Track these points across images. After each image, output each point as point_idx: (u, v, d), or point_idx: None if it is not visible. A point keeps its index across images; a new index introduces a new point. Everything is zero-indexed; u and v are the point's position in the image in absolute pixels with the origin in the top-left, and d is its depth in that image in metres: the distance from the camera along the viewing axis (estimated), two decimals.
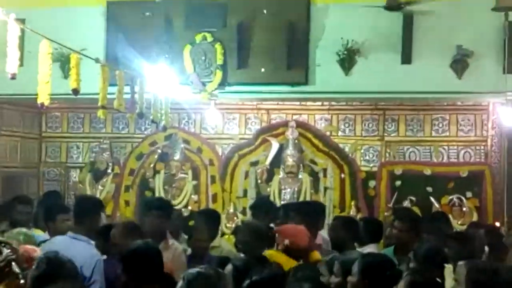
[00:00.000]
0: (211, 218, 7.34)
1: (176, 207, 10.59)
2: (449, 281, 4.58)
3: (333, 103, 10.43)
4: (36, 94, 5.79)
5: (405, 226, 6.44)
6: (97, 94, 6.90)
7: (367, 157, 10.68)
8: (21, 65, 5.45)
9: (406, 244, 6.06)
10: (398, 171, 10.33)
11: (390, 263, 4.30)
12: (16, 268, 3.81)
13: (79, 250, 5.52)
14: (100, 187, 10.88)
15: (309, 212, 7.16)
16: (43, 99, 5.76)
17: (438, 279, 4.17)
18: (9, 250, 3.87)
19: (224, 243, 7.52)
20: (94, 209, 6.68)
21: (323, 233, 7.32)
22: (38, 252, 4.80)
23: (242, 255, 6.09)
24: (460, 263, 4.27)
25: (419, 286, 3.63)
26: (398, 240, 6.39)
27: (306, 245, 5.87)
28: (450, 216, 8.84)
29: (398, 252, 6.09)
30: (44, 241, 6.32)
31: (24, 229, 5.93)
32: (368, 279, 3.95)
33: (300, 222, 6.67)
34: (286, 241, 5.80)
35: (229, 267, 4.67)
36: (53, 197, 9.01)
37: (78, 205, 7.06)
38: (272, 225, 7.13)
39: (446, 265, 4.54)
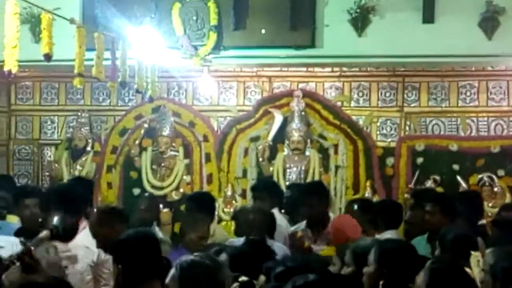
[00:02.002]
0: (203, 203, 7.38)
1: (166, 190, 10.71)
2: (476, 271, 4.61)
3: (344, 69, 10.42)
4: (3, 61, 5.81)
5: (437, 209, 6.46)
6: (73, 60, 6.93)
7: (384, 131, 10.70)
8: None
9: (439, 230, 6.05)
10: (420, 146, 10.38)
11: (411, 250, 4.33)
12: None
13: None
14: (78, 167, 10.92)
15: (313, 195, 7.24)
16: (11, 66, 5.78)
17: (466, 268, 4.19)
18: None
19: (219, 231, 7.51)
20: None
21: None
22: None
23: (239, 240, 6.19)
24: (488, 250, 4.30)
25: (442, 276, 3.65)
26: (429, 225, 6.39)
27: None
28: None
29: (432, 239, 6.09)
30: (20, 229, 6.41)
31: None
32: (386, 268, 3.97)
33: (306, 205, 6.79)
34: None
35: (223, 256, 4.70)
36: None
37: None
38: (277, 213, 7.21)
39: (472, 252, 4.56)
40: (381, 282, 3.91)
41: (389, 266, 3.98)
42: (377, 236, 6.11)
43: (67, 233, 5.51)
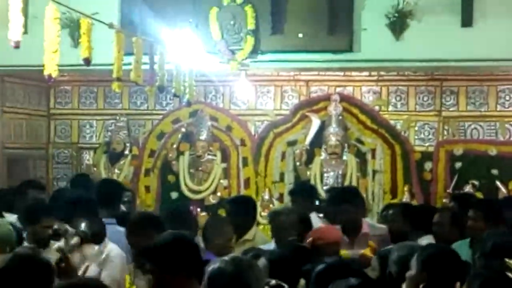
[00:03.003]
0: (245, 207, 7.36)
1: (204, 193, 10.74)
2: None
3: (382, 73, 10.41)
4: (43, 65, 5.86)
5: (480, 215, 6.42)
6: (112, 64, 6.97)
7: (422, 135, 10.65)
8: (26, 32, 5.52)
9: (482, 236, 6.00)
10: (458, 151, 10.33)
11: (454, 255, 4.30)
12: None
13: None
14: (116, 171, 10.99)
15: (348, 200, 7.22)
16: (51, 70, 5.83)
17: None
18: None
19: (259, 235, 7.42)
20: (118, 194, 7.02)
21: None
22: None
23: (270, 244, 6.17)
24: None
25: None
26: (472, 231, 6.33)
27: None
28: None
29: (474, 245, 6.04)
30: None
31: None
32: (428, 271, 3.95)
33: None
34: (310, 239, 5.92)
35: (262, 260, 4.69)
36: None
37: (101, 188, 7.38)
38: (319, 214, 7.21)
39: (507, 260, 4.51)
40: (421, 286, 3.88)
41: (431, 270, 3.95)
42: (419, 241, 6.07)
43: (96, 238, 5.57)
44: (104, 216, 6.59)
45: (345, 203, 6.99)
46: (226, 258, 3.74)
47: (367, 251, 6.19)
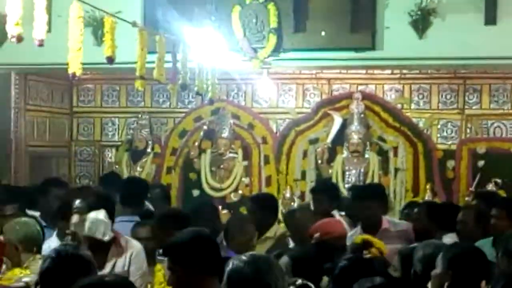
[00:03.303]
0: (267, 204, 7.36)
1: (225, 191, 10.75)
2: None
3: (404, 71, 10.38)
4: (67, 64, 5.89)
5: (504, 214, 6.39)
6: (135, 62, 7.00)
7: (445, 133, 10.62)
8: (49, 30, 5.56)
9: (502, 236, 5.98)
10: (481, 149, 10.30)
11: (480, 254, 4.28)
12: None
13: None
14: (138, 169, 11.03)
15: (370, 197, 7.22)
16: (74, 68, 5.86)
17: None
18: None
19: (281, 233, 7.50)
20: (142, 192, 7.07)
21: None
22: None
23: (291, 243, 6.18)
24: None
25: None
26: (495, 230, 6.29)
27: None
28: None
29: (497, 244, 6.02)
30: None
31: (24, 218, 6.02)
32: (453, 270, 3.94)
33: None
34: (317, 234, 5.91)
35: (284, 259, 4.69)
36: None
37: (125, 187, 7.40)
38: (340, 212, 7.19)
39: None
40: (446, 284, 3.87)
41: (456, 269, 3.93)
42: (443, 239, 6.06)
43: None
44: (129, 213, 6.69)
45: (368, 199, 6.99)
46: (244, 257, 3.72)
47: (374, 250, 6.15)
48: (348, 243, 6.05)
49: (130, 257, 5.49)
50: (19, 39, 5.04)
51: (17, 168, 10.10)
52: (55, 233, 6.18)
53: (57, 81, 11.12)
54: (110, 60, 6.57)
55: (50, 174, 10.26)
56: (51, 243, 5.74)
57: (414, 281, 4.26)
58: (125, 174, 10.87)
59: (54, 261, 3.95)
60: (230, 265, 3.68)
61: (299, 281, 3.88)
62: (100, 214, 5.36)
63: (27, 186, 8.75)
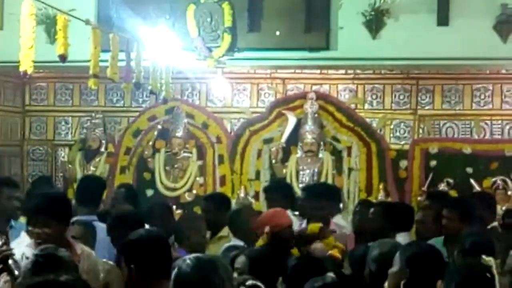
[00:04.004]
0: (221, 204, 7.35)
1: (179, 191, 10.72)
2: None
3: (358, 71, 10.41)
4: (18, 61, 5.81)
5: (455, 215, 6.45)
6: (88, 61, 6.94)
7: (398, 134, 10.68)
8: (1, 28, 5.49)
9: (456, 234, 6.04)
10: (433, 149, 10.37)
11: (437, 253, 4.32)
12: (12, 266, 3.79)
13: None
14: (92, 168, 10.91)
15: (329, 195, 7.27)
16: (26, 66, 5.79)
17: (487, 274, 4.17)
18: (2, 243, 3.85)
19: None
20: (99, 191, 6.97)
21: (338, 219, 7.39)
22: None
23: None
24: None
25: (459, 283, 3.62)
26: (447, 230, 6.36)
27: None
28: None
29: (448, 243, 6.07)
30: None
31: None
32: (410, 268, 3.96)
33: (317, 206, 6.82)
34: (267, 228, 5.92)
35: (241, 259, 4.68)
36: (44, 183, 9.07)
37: (81, 185, 7.33)
38: (294, 212, 7.20)
39: (485, 257, 4.55)
40: (402, 282, 3.89)
41: (414, 267, 3.96)
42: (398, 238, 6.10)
43: None
44: (85, 213, 6.56)
45: (322, 199, 7.02)
46: (189, 260, 3.70)
47: (335, 252, 6.18)
48: None
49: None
50: None
51: None
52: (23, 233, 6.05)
53: (9, 79, 10.99)
54: (63, 58, 6.50)
55: (1, 174, 10.13)
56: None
57: (370, 280, 4.27)
58: (78, 174, 10.80)
59: (37, 264, 3.91)
60: (176, 269, 3.66)
61: (250, 282, 3.86)
62: None
63: None
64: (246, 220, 6.49)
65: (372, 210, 7.11)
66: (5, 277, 4.49)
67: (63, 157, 11.43)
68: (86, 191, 7.24)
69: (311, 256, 5.38)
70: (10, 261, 3.79)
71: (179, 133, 10.78)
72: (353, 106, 10.67)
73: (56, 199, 5.41)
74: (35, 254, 4.03)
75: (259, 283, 3.95)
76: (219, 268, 3.68)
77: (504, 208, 8.72)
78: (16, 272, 3.82)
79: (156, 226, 5.83)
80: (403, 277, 3.93)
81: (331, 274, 3.65)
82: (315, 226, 6.42)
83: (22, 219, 6.97)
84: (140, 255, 4.09)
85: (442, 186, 9.93)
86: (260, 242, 5.81)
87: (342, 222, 7.52)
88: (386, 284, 4.09)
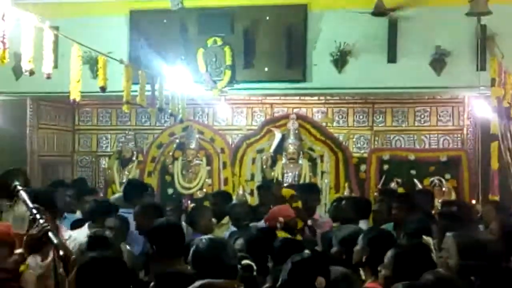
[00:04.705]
0: (225, 199, 7.35)
1: (193, 190, 10.70)
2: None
3: (328, 97, 10.40)
4: (69, 92, 5.83)
5: (402, 206, 6.47)
6: (122, 91, 6.95)
7: (359, 145, 10.67)
8: (55, 66, 5.48)
9: (402, 221, 6.06)
10: (386, 156, 10.35)
11: (389, 235, 4.34)
12: (54, 238, 3.72)
13: None
14: (126, 173, 10.89)
15: (309, 192, 7.29)
16: (75, 96, 5.81)
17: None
18: (44, 221, 3.78)
19: None
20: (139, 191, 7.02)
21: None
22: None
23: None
24: (448, 234, 4.29)
25: (404, 258, 3.62)
26: (395, 218, 6.38)
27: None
28: None
29: (397, 228, 6.09)
30: (77, 220, 6.38)
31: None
32: (370, 247, 3.97)
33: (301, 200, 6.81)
34: (281, 219, 5.94)
35: (240, 241, 4.67)
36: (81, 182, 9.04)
37: (127, 187, 7.29)
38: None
39: (425, 237, 4.56)
40: (364, 257, 3.90)
41: (373, 246, 3.97)
42: (360, 224, 6.10)
43: None
44: (126, 207, 6.53)
45: (305, 194, 7.08)
46: (204, 240, 3.69)
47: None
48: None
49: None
50: (31, 73, 4.97)
51: (30, 173, 9.92)
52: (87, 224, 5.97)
53: (62, 105, 10.98)
54: (103, 89, 6.53)
55: (57, 177, 10.11)
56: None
57: (336, 256, 4.27)
58: (116, 177, 10.79)
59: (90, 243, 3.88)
60: (193, 247, 3.65)
61: (244, 261, 3.83)
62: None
63: (38, 188, 8.62)
64: (240, 213, 6.52)
65: (342, 203, 7.14)
66: (38, 258, 4.40)
67: (104, 164, 11.42)
68: (130, 191, 7.21)
69: (292, 238, 5.37)
70: (50, 234, 3.70)
71: (192, 145, 10.76)
72: (324, 124, 10.66)
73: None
74: (88, 235, 4.00)
75: (251, 263, 3.90)
76: (227, 247, 3.69)
77: (440, 201, 8.72)
78: (55, 241, 3.72)
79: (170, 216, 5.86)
80: (365, 254, 3.96)
81: (307, 251, 3.64)
82: (287, 192, 6.49)
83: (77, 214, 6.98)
84: (161, 238, 4.08)
85: (393, 185, 9.91)
86: (282, 234, 5.78)
87: (322, 214, 7.55)
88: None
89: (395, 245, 3.95)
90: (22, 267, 3.85)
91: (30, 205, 3.84)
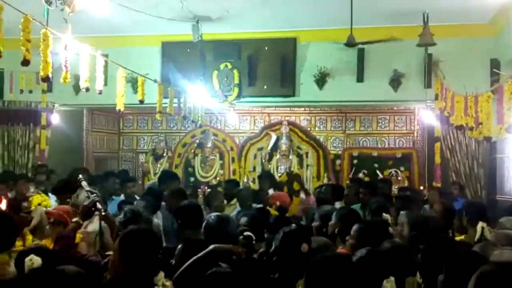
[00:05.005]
0: (233, 186, 7.34)
1: (209, 178, 10.69)
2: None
3: (311, 109, 10.42)
4: (115, 104, 5.83)
5: (367, 191, 6.46)
6: (156, 103, 6.96)
7: (335, 145, 10.67)
8: (105, 84, 5.50)
9: (367, 202, 6.02)
10: (355, 153, 10.36)
11: (355, 213, 4.31)
12: (100, 206, 3.75)
13: None
14: (158, 166, 10.91)
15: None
16: (120, 106, 5.83)
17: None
18: (94, 195, 3.82)
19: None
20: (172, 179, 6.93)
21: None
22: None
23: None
24: (402, 212, 4.29)
25: (366, 230, 3.63)
26: (362, 200, 6.35)
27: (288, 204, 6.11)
28: None
29: (363, 208, 6.06)
30: (123, 201, 6.34)
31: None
32: (341, 222, 3.96)
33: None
34: (278, 203, 5.94)
35: (244, 219, 4.66)
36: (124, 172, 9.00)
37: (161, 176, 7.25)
38: (275, 190, 7.19)
39: (384, 215, 4.54)
40: (336, 230, 3.89)
41: (343, 221, 3.95)
42: (336, 205, 6.07)
43: None
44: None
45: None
46: (213, 216, 3.70)
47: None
48: None
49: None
50: (87, 89, 4.99)
51: (86, 166, 9.97)
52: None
53: (111, 114, 11.02)
54: (141, 102, 6.54)
55: (106, 169, 10.13)
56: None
57: (316, 230, 4.25)
58: (151, 169, 10.79)
59: (126, 217, 3.87)
60: (205, 221, 3.66)
61: (246, 233, 3.80)
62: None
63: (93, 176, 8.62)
64: (245, 196, 6.48)
65: (322, 189, 7.13)
66: (92, 226, 4.41)
67: (142, 159, 11.44)
68: (164, 179, 7.17)
69: (283, 216, 5.34)
70: (98, 205, 3.72)
71: (209, 144, 10.78)
72: (309, 128, 10.67)
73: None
74: (125, 211, 3.99)
75: (251, 234, 3.84)
76: (230, 222, 3.70)
77: (396, 187, 8.74)
78: (101, 208, 3.76)
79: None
80: (337, 227, 3.94)
81: (293, 225, 3.63)
82: (283, 176, 6.47)
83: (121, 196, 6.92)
84: (185, 215, 4.08)
85: (360, 175, 9.91)
86: (274, 213, 5.73)
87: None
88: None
89: (360, 220, 3.95)
90: (77, 238, 3.88)
91: (87, 188, 3.89)
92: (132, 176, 9.73)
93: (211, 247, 3.17)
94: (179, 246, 3.36)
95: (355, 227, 3.57)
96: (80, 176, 4.17)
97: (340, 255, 2.75)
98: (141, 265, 2.54)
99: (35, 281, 2.08)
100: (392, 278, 2.55)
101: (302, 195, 7.19)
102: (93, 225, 4.40)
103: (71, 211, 4.54)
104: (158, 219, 5.35)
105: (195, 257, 3.08)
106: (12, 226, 3.35)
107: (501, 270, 1.88)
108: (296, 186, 6.45)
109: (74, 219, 3.66)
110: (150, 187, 6.44)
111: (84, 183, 4.00)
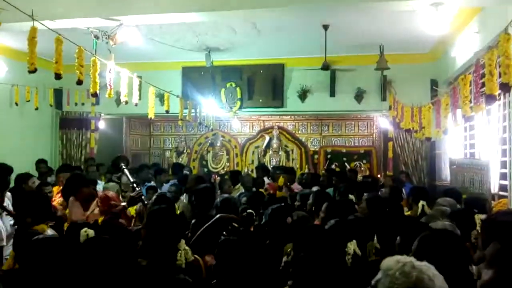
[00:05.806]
0: (237, 174, 7.35)
1: (218, 169, 10.69)
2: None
3: (296, 116, 10.44)
4: (147, 113, 5.84)
5: (337, 178, 6.48)
6: (178, 113, 6.97)
7: (313, 144, 10.69)
8: (140, 99, 5.52)
9: (337, 187, 5.99)
10: (329, 150, 10.39)
11: (328, 195, 4.32)
12: (144, 198, 3.79)
13: None
14: (180, 159, 10.95)
15: (287, 171, 7.27)
16: (151, 115, 5.83)
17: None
18: (139, 188, 3.85)
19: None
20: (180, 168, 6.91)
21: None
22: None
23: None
24: (365, 194, 4.32)
25: (335, 208, 3.64)
26: (334, 185, 6.33)
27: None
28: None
29: (335, 191, 6.04)
30: (150, 187, 6.27)
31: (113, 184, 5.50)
32: (316, 202, 3.97)
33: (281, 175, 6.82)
34: (271, 191, 5.95)
35: (244, 198, 4.68)
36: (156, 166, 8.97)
37: (174, 166, 7.23)
38: (266, 179, 7.20)
39: (350, 195, 4.56)
40: (312, 207, 3.90)
41: (316, 202, 3.96)
42: (313, 189, 6.04)
43: None
44: (173, 179, 6.49)
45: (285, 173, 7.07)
46: (221, 197, 3.73)
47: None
48: None
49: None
50: (126, 102, 5.01)
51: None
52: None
53: (143, 121, 11.01)
54: (167, 112, 6.55)
55: (140, 162, 10.14)
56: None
57: (298, 208, 4.27)
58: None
59: (157, 199, 3.86)
60: (216, 201, 3.69)
61: (249, 210, 3.81)
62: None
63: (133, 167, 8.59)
64: (246, 181, 6.48)
65: (304, 176, 7.14)
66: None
67: (167, 155, 11.43)
68: (176, 169, 7.22)
69: (273, 197, 5.34)
70: (142, 196, 3.76)
71: (218, 144, 10.80)
72: (294, 132, 10.68)
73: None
74: (157, 195, 4.00)
75: (252, 211, 3.82)
76: (235, 202, 3.74)
77: (360, 176, 8.77)
78: (146, 202, 3.81)
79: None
80: (312, 205, 3.98)
81: (282, 204, 3.65)
82: (280, 181, 6.45)
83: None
84: (202, 196, 4.05)
85: (333, 166, 9.94)
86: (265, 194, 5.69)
87: (298, 186, 7.48)
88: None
89: (330, 200, 3.98)
90: (132, 212, 3.90)
91: (131, 179, 3.93)
92: (162, 167, 9.77)
93: (218, 216, 3.21)
94: (193, 221, 3.38)
95: (324, 205, 3.61)
96: (122, 164, 4.19)
97: (316, 226, 2.79)
98: (164, 234, 2.53)
99: (91, 247, 2.12)
100: (354, 241, 2.58)
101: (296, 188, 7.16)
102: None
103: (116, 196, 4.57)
104: (185, 199, 5.40)
105: (206, 225, 3.11)
106: (47, 204, 3.31)
107: (435, 234, 2.02)
108: (281, 182, 6.46)
109: (123, 203, 3.70)
110: (179, 177, 6.44)
111: (126, 171, 4.04)
